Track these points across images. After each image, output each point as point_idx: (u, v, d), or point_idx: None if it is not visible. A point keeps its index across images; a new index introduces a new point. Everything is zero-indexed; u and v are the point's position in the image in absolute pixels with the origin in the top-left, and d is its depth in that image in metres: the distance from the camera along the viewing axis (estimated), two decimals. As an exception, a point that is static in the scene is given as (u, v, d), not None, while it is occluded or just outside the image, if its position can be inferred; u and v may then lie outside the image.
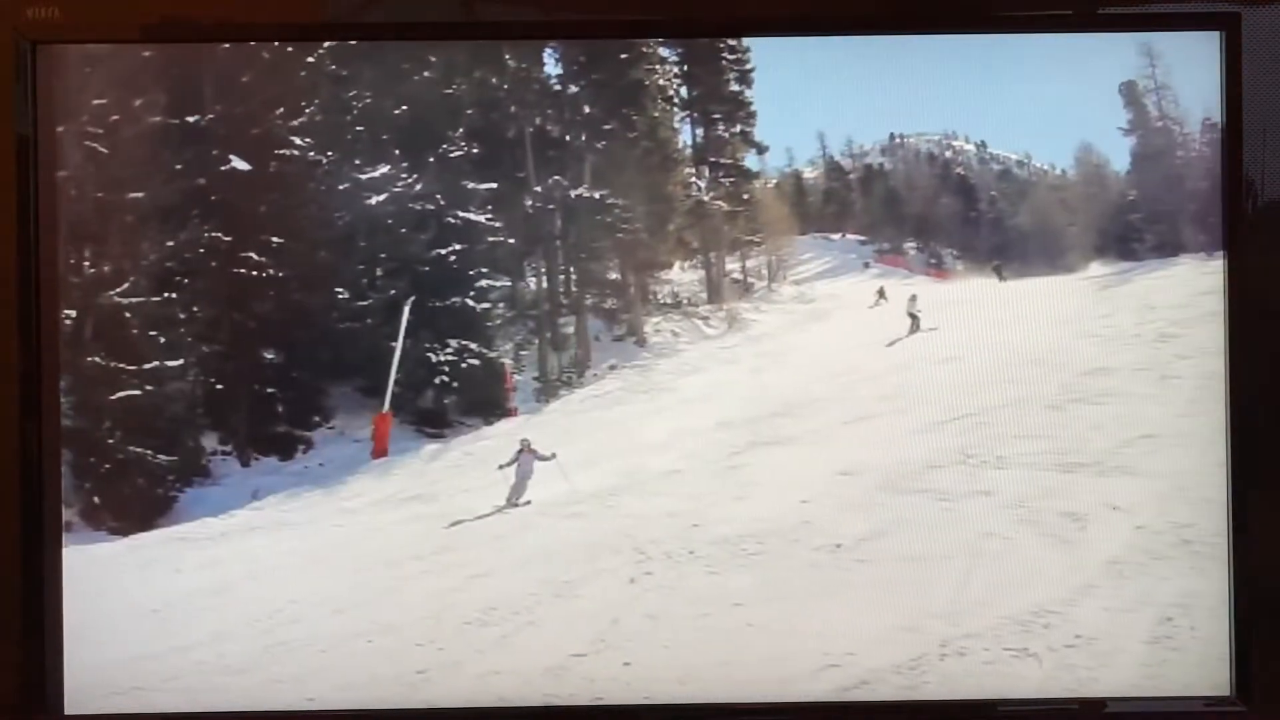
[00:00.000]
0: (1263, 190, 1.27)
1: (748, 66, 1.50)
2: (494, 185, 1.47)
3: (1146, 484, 1.32)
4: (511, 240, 1.50)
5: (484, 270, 1.51)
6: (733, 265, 1.63)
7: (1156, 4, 1.28)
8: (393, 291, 1.48)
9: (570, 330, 1.59)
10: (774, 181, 1.56)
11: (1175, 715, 1.28)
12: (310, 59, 1.41)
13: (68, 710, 1.27)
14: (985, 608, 1.28)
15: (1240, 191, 1.27)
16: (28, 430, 1.26)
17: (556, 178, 1.48)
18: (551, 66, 1.47)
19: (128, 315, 1.36)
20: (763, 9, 1.28)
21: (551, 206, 1.49)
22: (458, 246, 1.49)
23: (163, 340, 1.39)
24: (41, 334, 1.27)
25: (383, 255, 1.46)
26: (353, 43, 1.39)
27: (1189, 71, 1.31)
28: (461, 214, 1.46)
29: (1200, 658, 1.26)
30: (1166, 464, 1.32)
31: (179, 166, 1.38)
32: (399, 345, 1.47)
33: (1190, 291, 1.37)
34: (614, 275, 1.59)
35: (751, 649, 1.28)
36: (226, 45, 1.37)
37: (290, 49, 1.40)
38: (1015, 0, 1.28)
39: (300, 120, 1.43)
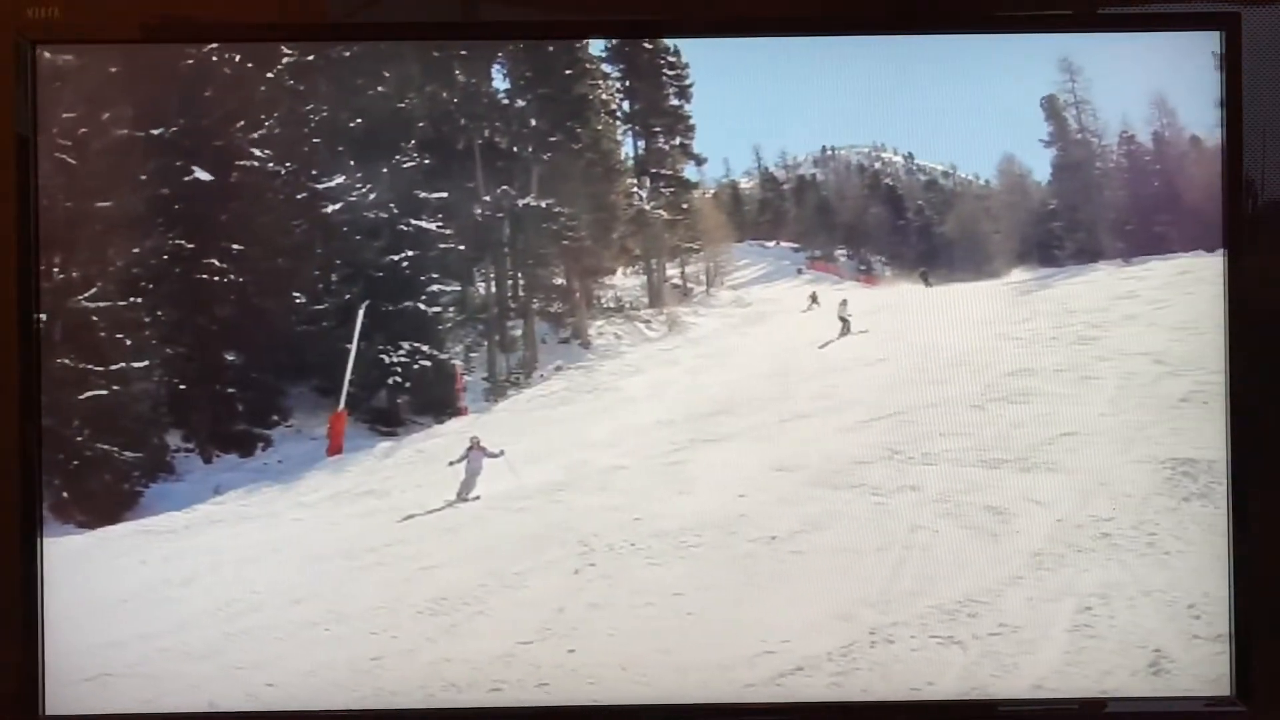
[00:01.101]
0: (1263, 190, 1.28)
1: (686, 82, 1.54)
2: (445, 194, 1.50)
3: (1067, 479, 1.36)
4: (462, 247, 1.53)
5: (435, 276, 1.54)
6: (673, 271, 1.67)
7: (1156, 4, 1.29)
8: (348, 296, 1.51)
9: (518, 333, 1.62)
10: (712, 191, 1.60)
11: (1175, 715, 1.30)
12: (269, 74, 1.44)
13: (49, 710, 1.30)
14: (913, 597, 1.33)
15: (1240, 191, 1.28)
16: (28, 434, 1.28)
17: (505, 187, 1.51)
18: (500, 81, 1.50)
19: (95, 319, 1.38)
20: (761, 9, 1.29)
21: (500, 215, 1.52)
22: (410, 253, 1.52)
23: (129, 343, 1.41)
24: (41, 335, 1.30)
25: (338, 261, 1.50)
26: (310, 58, 1.41)
27: (1109, 85, 1.36)
28: (414, 222, 1.50)
29: (1119, 645, 1.29)
30: (1086, 460, 1.36)
31: (144, 177, 1.41)
32: (354, 347, 1.51)
33: (1108, 296, 1.44)
34: (560, 280, 1.62)
35: (691, 637, 1.32)
36: (189, 60, 1.40)
37: (250, 64, 1.42)
38: (1016, 0, 1.30)
39: (260, 133, 1.46)
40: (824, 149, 1.56)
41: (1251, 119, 1.27)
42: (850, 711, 1.29)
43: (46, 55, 1.30)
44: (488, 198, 1.52)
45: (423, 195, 1.49)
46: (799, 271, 1.68)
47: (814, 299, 1.64)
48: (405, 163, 1.48)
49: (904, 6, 1.30)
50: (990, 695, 1.29)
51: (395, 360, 1.56)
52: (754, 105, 1.40)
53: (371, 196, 1.47)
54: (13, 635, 1.28)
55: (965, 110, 1.36)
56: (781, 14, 1.30)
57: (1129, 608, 1.30)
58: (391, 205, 1.48)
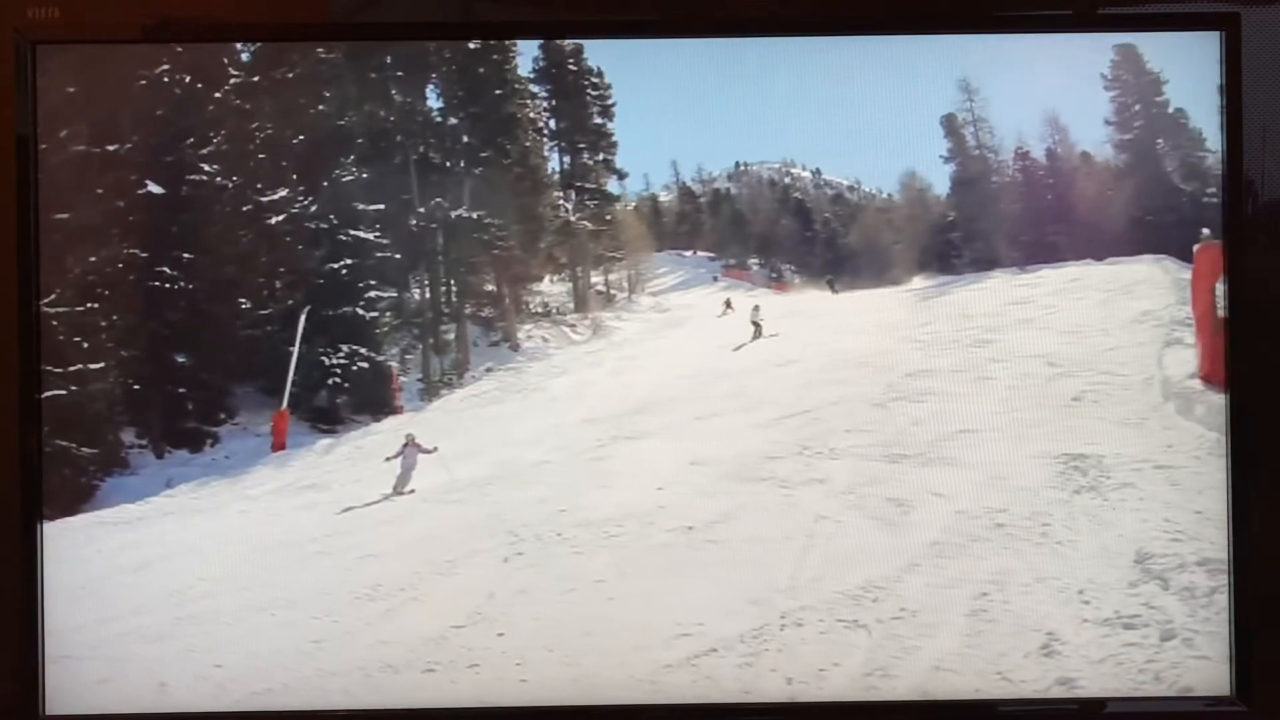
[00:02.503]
0: (1263, 190, 1.27)
1: (609, 102, 1.61)
2: (382, 206, 1.55)
3: (964, 473, 1.41)
4: (398, 256, 1.60)
5: (373, 282, 1.61)
6: (597, 278, 1.75)
7: (1156, 4, 1.28)
8: (290, 301, 1.57)
9: (451, 336, 1.68)
10: (633, 204, 1.67)
11: (1175, 715, 1.30)
12: (217, 94, 1.50)
13: (49, 710, 1.31)
14: (821, 583, 1.37)
15: (1240, 191, 1.27)
16: (28, 433, 1.28)
17: (438, 200, 1.56)
18: (433, 100, 1.56)
19: (55, 323, 1.41)
20: (761, 9, 1.29)
21: (434, 225, 1.58)
22: (349, 261, 1.58)
23: (86, 345, 1.45)
24: (42, 336, 1.29)
25: (282, 269, 1.56)
26: (255, 79, 1.47)
27: (1005, 104, 1.41)
28: (352, 232, 1.56)
29: (1013, 629, 1.33)
30: (982, 455, 1.41)
31: (100, 191, 1.45)
32: (296, 350, 1.56)
33: (1002, 302, 1.50)
34: (490, 287, 1.69)
35: (612, 621, 1.37)
36: (143, 81, 1.44)
37: (200, 84, 1.47)
38: (1016, 0, 1.29)
39: (209, 149, 1.52)
40: (737, 165, 1.62)
41: (1251, 119, 1.27)
42: (847, 711, 1.31)
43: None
44: (422, 209, 1.57)
45: (361, 207, 1.54)
46: (714, 279, 1.74)
47: (728, 305, 1.72)
48: (345, 176, 1.53)
49: (906, 6, 1.29)
50: (893, 675, 1.31)
51: (335, 362, 1.62)
52: (673, 123, 1.45)
53: (313, 208, 1.53)
54: (11, 636, 1.30)
55: (869, 127, 1.40)
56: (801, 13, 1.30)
57: (1023, 594, 1.34)
58: (331, 216, 1.54)
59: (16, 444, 1.28)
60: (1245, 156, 1.26)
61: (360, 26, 1.27)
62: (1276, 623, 1.27)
